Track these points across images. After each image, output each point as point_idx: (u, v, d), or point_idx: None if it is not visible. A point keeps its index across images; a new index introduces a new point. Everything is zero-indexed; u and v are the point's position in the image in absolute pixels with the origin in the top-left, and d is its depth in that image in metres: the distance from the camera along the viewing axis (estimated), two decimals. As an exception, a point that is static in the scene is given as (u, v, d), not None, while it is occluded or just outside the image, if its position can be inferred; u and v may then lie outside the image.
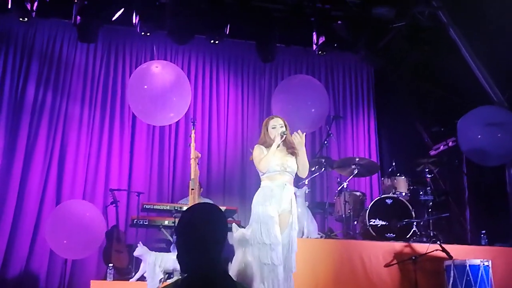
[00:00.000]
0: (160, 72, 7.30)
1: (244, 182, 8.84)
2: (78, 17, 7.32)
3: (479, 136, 7.24)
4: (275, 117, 5.02)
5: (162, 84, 7.19)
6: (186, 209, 2.59)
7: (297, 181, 7.55)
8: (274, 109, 8.12)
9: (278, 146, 4.81)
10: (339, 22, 8.04)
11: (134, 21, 7.50)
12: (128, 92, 7.64)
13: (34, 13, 7.28)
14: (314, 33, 8.06)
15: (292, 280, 4.68)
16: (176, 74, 7.46)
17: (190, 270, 2.36)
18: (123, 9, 7.54)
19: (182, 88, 7.40)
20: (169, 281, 5.10)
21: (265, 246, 4.52)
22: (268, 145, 4.86)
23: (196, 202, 5.94)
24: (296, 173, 4.86)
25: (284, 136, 4.83)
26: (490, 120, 7.23)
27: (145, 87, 7.16)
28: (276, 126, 4.89)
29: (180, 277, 2.54)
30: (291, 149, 4.87)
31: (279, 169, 4.75)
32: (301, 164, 4.86)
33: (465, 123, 7.47)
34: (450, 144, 8.63)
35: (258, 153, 4.85)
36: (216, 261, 2.39)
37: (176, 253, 2.46)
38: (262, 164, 4.75)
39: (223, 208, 6.98)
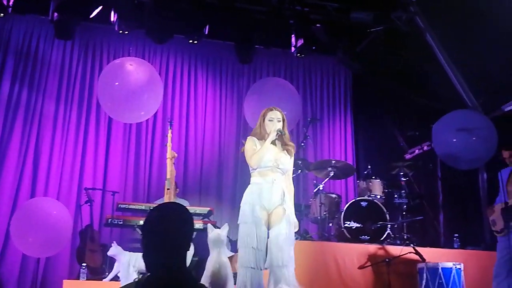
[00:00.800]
0: (133, 69, 7.21)
1: (220, 183, 8.83)
2: (56, 14, 7.24)
3: (454, 140, 7.33)
4: (274, 109, 4.76)
5: (134, 82, 7.10)
6: (153, 208, 2.55)
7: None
8: (246, 109, 8.12)
9: (272, 143, 4.60)
10: (318, 25, 8.08)
11: (112, 19, 7.44)
12: (98, 87, 7.51)
13: (10, 8, 7.17)
14: (293, 35, 8.09)
15: (293, 276, 4.39)
16: (149, 73, 7.38)
17: (155, 270, 2.34)
18: (101, 7, 7.47)
19: (154, 87, 7.32)
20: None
21: (251, 249, 4.34)
22: (261, 137, 4.65)
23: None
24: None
25: (280, 134, 4.63)
26: (462, 125, 7.32)
27: (116, 83, 7.06)
28: (273, 119, 4.67)
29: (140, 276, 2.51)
30: (286, 146, 4.69)
31: (271, 165, 4.54)
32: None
33: (439, 128, 7.57)
34: (425, 148, 8.74)
35: (250, 146, 4.63)
36: (181, 261, 2.37)
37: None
38: (254, 159, 4.53)
39: (199, 208, 6.99)
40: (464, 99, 8.24)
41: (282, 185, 4.59)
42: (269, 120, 4.68)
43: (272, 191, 4.49)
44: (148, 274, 2.37)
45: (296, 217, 7.88)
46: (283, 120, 4.70)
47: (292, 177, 5.71)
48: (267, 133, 4.63)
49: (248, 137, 4.71)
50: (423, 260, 5.85)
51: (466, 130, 7.23)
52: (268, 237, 4.43)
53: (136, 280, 2.39)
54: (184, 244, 2.39)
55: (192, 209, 6.99)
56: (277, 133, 4.60)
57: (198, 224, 6.62)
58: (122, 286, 2.39)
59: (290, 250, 4.45)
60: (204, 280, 4.77)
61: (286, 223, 4.47)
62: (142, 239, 2.42)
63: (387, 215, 6.96)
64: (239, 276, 4.36)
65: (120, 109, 7.16)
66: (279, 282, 4.30)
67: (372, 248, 6.35)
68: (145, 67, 7.49)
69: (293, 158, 4.77)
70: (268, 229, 4.46)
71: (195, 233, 6.86)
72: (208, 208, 7.30)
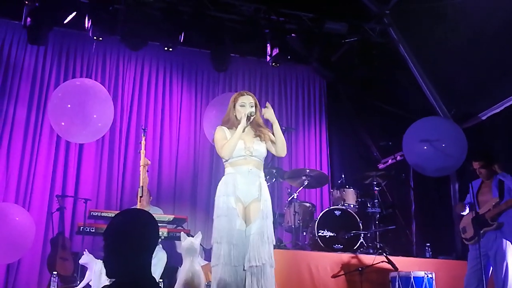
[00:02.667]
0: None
1: (195, 191, 8.80)
2: (29, 19, 7.15)
3: (424, 148, 7.43)
4: (246, 93, 4.48)
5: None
6: (116, 214, 2.53)
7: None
8: (205, 123, 8.12)
9: (243, 130, 4.32)
10: (293, 35, 8.14)
11: (86, 25, 7.38)
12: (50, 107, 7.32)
13: (-18, 13, 7.08)
14: (268, 44, 8.12)
15: (272, 277, 4.16)
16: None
17: (117, 276, 2.30)
18: (75, 13, 7.40)
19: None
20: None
21: (226, 245, 4.09)
22: (232, 125, 4.39)
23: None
24: (268, 159, 4.46)
25: (252, 118, 4.33)
26: (428, 134, 7.43)
27: (69, 106, 7.00)
28: (245, 104, 4.38)
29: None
30: (259, 132, 4.41)
31: (244, 154, 4.28)
32: (278, 139, 4.37)
33: (407, 137, 7.68)
34: (398, 158, 8.84)
35: (220, 136, 4.36)
36: (144, 267, 2.33)
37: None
38: (225, 150, 4.27)
39: (172, 216, 6.94)
40: (436, 110, 8.36)
41: (260, 175, 4.35)
42: (241, 106, 4.40)
43: (248, 182, 4.27)
44: (113, 280, 2.34)
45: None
46: (256, 105, 4.43)
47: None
48: (237, 120, 4.36)
49: (217, 127, 4.45)
50: (396, 269, 5.89)
51: (429, 141, 7.35)
52: (245, 234, 4.18)
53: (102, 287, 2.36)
54: (144, 247, 2.35)
55: (165, 217, 6.92)
56: (248, 118, 4.32)
57: (171, 233, 6.56)
58: None
59: (267, 248, 4.18)
60: (177, 288, 4.75)
61: (263, 220, 4.23)
62: (104, 244, 2.37)
63: (360, 224, 7.02)
64: (216, 275, 4.09)
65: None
66: (256, 284, 4.08)
67: (346, 257, 6.38)
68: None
69: (269, 142, 4.46)
70: (245, 225, 4.22)
71: (161, 240, 6.81)
72: (181, 216, 7.25)
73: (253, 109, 4.38)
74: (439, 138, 7.37)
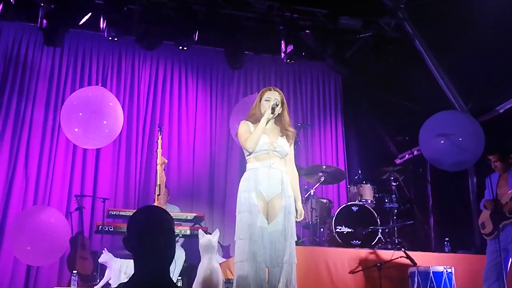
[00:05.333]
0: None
1: (212, 189, 8.83)
2: (44, 21, 7.20)
3: (441, 142, 7.37)
4: (273, 89, 4.45)
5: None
6: (139, 211, 2.45)
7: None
8: (232, 129, 8.13)
9: (267, 122, 4.28)
10: (307, 31, 8.12)
11: (101, 26, 7.43)
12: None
13: (-1, 15, 7.16)
14: (282, 41, 8.11)
15: (294, 274, 4.14)
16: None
17: (142, 276, 2.27)
18: (90, 14, 7.46)
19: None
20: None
21: (246, 241, 4.07)
22: (256, 120, 4.35)
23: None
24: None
25: (276, 109, 4.28)
26: (445, 128, 7.37)
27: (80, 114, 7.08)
28: (270, 99, 4.34)
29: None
30: (285, 132, 4.38)
31: (267, 148, 4.25)
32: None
33: (424, 131, 7.63)
34: (415, 153, 8.78)
35: (245, 129, 4.34)
36: (167, 266, 2.32)
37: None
38: (249, 142, 4.23)
39: (190, 214, 6.98)
40: (453, 104, 8.29)
41: (282, 169, 4.30)
42: (266, 100, 4.36)
43: (270, 176, 4.23)
44: (127, 280, 2.31)
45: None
46: (282, 103, 4.40)
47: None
48: (262, 115, 4.32)
49: (241, 121, 4.43)
50: (414, 264, 5.87)
51: (446, 135, 7.29)
52: (267, 231, 4.14)
53: (117, 287, 2.33)
54: (171, 248, 2.36)
55: (183, 215, 6.98)
56: (273, 109, 4.28)
57: (189, 230, 6.60)
58: None
59: (289, 245, 4.16)
60: (196, 286, 4.77)
61: (284, 217, 4.19)
62: (134, 243, 2.32)
63: (378, 220, 6.99)
64: (236, 273, 4.10)
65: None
66: (278, 281, 4.07)
67: (363, 252, 6.36)
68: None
69: (293, 145, 4.47)
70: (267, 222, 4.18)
71: (183, 238, 6.87)
72: (198, 214, 7.29)
73: (279, 101, 4.34)
74: (456, 132, 7.32)
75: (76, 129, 7.09)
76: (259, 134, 4.24)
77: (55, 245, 6.96)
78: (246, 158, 4.39)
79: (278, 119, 4.40)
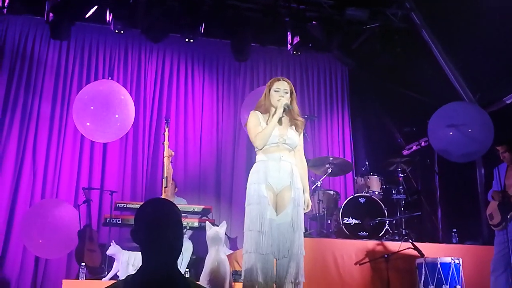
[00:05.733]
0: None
1: (218, 181, 8.84)
2: (51, 14, 7.21)
3: (450, 134, 7.34)
4: (282, 79, 4.45)
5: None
6: (147, 204, 2.44)
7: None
8: (242, 119, 8.12)
9: (279, 119, 4.27)
10: (313, 22, 8.08)
11: (107, 19, 7.43)
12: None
13: (5, 9, 7.16)
14: (288, 33, 8.09)
15: (301, 265, 4.18)
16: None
17: (150, 268, 2.26)
18: (96, 7, 7.46)
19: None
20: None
21: (255, 233, 4.09)
22: (265, 111, 4.38)
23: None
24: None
25: (288, 109, 4.30)
26: (455, 119, 7.34)
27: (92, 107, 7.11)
28: (280, 89, 4.35)
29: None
30: (294, 121, 4.39)
31: (277, 141, 4.26)
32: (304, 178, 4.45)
33: (434, 122, 7.60)
34: (423, 144, 8.76)
35: (254, 122, 4.35)
36: (175, 259, 2.31)
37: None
38: (259, 139, 4.25)
39: (197, 207, 7.00)
40: (461, 95, 8.25)
41: (291, 162, 4.32)
42: (275, 91, 4.36)
43: (280, 168, 4.23)
44: (135, 272, 2.31)
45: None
46: (291, 93, 4.41)
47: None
48: (272, 105, 4.35)
49: (251, 112, 4.43)
50: (422, 255, 5.86)
51: (456, 126, 7.25)
52: (275, 222, 4.17)
53: (125, 278, 2.32)
54: (180, 240, 2.36)
55: (190, 207, 6.99)
56: (285, 109, 4.28)
57: (196, 223, 6.62)
58: (109, 285, 2.30)
59: (298, 237, 4.20)
60: (203, 278, 4.78)
61: (293, 208, 4.22)
62: (142, 235, 2.30)
63: (385, 211, 6.99)
64: (244, 264, 4.14)
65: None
66: (284, 276, 4.11)
67: (371, 244, 6.36)
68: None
69: (302, 134, 4.51)
70: (276, 213, 4.21)
71: (192, 231, 6.89)
72: (206, 206, 7.31)
73: (288, 97, 4.35)
74: (465, 122, 7.28)
75: (88, 123, 7.13)
76: (270, 132, 4.24)
77: (68, 238, 7.05)
78: (256, 150, 4.40)
79: (287, 109, 4.37)
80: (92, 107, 7.08)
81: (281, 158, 4.25)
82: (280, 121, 4.33)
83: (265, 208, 4.15)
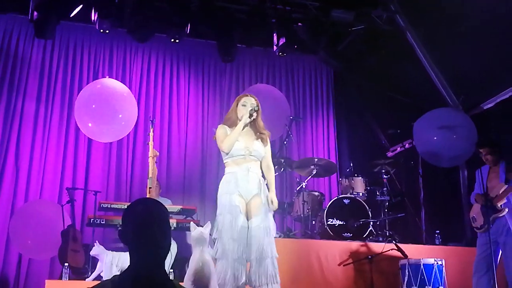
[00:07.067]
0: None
1: (203, 181, 8.81)
2: (35, 13, 7.15)
3: (435, 138, 7.41)
4: (249, 95, 4.74)
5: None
6: (134, 204, 2.43)
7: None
8: None
9: (245, 126, 4.55)
10: (299, 24, 8.11)
11: (93, 18, 7.38)
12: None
13: (-11, 7, 7.11)
14: (274, 34, 8.10)
15: (275, 266, 4.42)
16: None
17: (138, 268, 2.25)
18: (81, 6, 7.41)
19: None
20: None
21: (230, 240, 4.34)
22: (233, 124, 4.61)
23: (155, 201, 5.89)
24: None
25: (254, 115, 4.56)
26: (444, 123, 7.41)
27: (93, 106, 7.11)
28: (246, 104, 4.61)
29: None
30: (260, 135, 4.64)
31: (244, 153, 4.52)
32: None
33: (420, 125, 7.64)
34: (407, 146, 8.81)
35: (222, 132, 4.60)
36: (163, 259, 2.31)
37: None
38: (225, 143, 4.50)
39: (181, 207, 6.98)
40: (444, 97, 8.32)
41: (258, 173, 4.59)
42: (242, 105, 4.63)
43: (248, 179, 4.49)
44: (122, 272, 2.30)
45: (279, 214, 7.96)
46: (258, 108, 4.65)
47: (275, 175, 5.68)
48: (238, 119, 4.60)
49: (219, 125, 4.70)
50: (405, 256, 5.91)
51: (448, 127, 7.31)
52: (247, 228, 4.41)
53: (112, 278, 2.31)
54: (167, 240, 2.36)
55: (175, 208, 6.98)
56: (250, 114, 4.54)
57: (180, 223, 6.60)
58: (95, 285, 2.29)
59: (269, 240, 4.43)
60: (187, 278, 4.76)
61: (265, 214, 4.49)
62: (130, 235, 2.29)
63: (370, 212, 7.03)
64: (218, 268, 4.36)
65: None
66: (260, 276, 4.31)
67: (355, 245, 6.40)
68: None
69: (268, 145, 4.74)
70: (247, 220, 4.45)
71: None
72: (190, 207, 7.30)
73: (256, 107, 4.59)
74: (458, 124, 7.35)
75: (90, 124, 7.13)
76: (235, 137, 4.50)
77: (55, 238, 7.01)
78: (224, 162, 4.65)
79: (253, 124, 4.65)
80: (93, 106, 7.09)
81: (249, 170, 4.51)
82: (246, 134, 4.59)
83: (237, 216, 4.38)
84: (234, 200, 4.42)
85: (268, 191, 4.63)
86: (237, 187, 4.46)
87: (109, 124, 7.12)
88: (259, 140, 4.63)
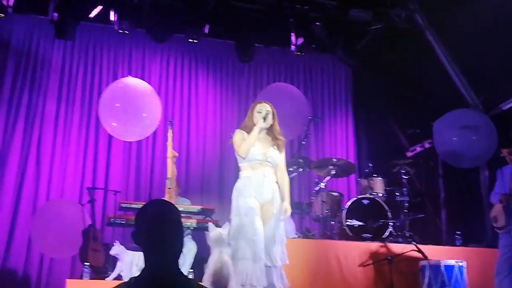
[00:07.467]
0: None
1: (222, 181, 8.82)
2: (55, 14, 7.24)
3: (454, 139, 7.33)
4: (264, 102, 4.82)
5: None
6: (146, 206, 2.46)
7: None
8: None
9: (260, 131, 4.64)
10: (317, 23, 8.08)
11: (112, 19, 7.44)
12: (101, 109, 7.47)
13: (10, 9, 7.17)
14: (292, 34, 8.08)
15: (283, 273, 4.54)
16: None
17: (152, 269, 2.28)
18: (100, 7, 7.47)
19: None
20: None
21: (248, 240, 4.39)
22: (250, 130, 4.67)
23: (173, 201, 5.93)
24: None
25: (269, 117, 4.65)
26: (465, 123, 7.33)
27: (117, 105, 7.15)
28: (262, 110, 4.69)
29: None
30: (275, 141, 4.72)
31: (260, 159, 4.59)
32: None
33: (440, 126, 7.57)
34: (426, 146, 8.74)
35: (239, 137, 4.68)
36: (175, 259, 2.33)
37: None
38: (243, 148, 4.58)
39: (200, 207, 7.00)
40: (464, 97, 8.21)
41: (273, 179, 4.65)
42: (258, 112, 4.70)
43: (264, 184, 4.56)
44: (139, 273, 2.32)
45: (297, 215, 7.94)
46: (273, 114, 4.73)
47: (294, 175, 5.69)
48: (255, 125, 4.67)
49: (236, 130, 4.77)
50: (425, 258, 5.86)
51: (468, 128, 7.23)
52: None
53: (128, 281, 2.33)
54: (180, 240, 2.37)
55: (193, 208, 6.98)
56: (264, 118, 4.63)
57: (200, 223, 6.61)
58: (113, 287, 2.31)
59: (279, 249, 4.53)
60: (206, 279, 4.77)
61: (275, 222, 4.55)
62: (144, 235, 2.32)
63: (389, 213, 6.98)
64: (237, 270, 4.40)
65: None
66: (269, 281, 4.41)
67: (374, 246, 6.36)
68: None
69: (283, 153, 4.80)
70: None
71: (190, 230, 6.90)
72: (209, 207, 7.29)
73: (270, 118, 4.67)
74: (479, 124, 7.28)
75: (114, 123, 7.19)
76: (252, 142, 4.58)
77: (75, 237, 7.10)
78: (240, 166, 4.71)
79: (270, 129, 4.73)
80: (118, 104, 7.14)
81: (265, 175, 4.59)
82: (263, 140, 4.68)
83: (253, 218, 4.44)
84: (249, 202, 4.48)
85: (282, 199, 4.67)
86: (252, 191, 4.53)
87: (134, 123, 7.14)
88: (275, 147, 4.71)
